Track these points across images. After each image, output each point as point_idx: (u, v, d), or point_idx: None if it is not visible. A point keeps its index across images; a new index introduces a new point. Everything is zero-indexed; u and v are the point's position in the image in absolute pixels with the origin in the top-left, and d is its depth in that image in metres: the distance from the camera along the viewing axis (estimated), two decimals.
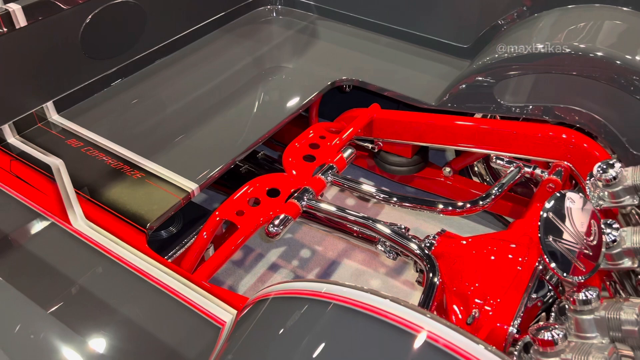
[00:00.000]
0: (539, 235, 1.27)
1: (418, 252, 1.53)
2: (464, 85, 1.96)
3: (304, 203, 1.70)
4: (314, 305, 1.09)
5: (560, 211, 1.33)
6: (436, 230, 1.67)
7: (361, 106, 2.17)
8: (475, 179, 2.33)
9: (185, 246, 1.83)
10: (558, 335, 1.10)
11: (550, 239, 1.27)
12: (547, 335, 1.10)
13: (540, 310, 1.44)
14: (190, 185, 1.69)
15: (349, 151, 1.95)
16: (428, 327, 0.99)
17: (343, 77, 2.19)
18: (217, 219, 1.66)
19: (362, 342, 1.00)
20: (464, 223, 2.36)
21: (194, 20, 2.43)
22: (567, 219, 1.32)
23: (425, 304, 1.37)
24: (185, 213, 1.95)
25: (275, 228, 1.59)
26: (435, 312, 1.45)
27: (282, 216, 1.62)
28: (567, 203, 1.35)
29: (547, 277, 1.47)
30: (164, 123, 2.02)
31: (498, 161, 1.84)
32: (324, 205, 1.73)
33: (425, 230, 2.34)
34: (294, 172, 1.86)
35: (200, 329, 1.27)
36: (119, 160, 1.80)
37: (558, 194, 1.35)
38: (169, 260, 1.78)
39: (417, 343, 0.98)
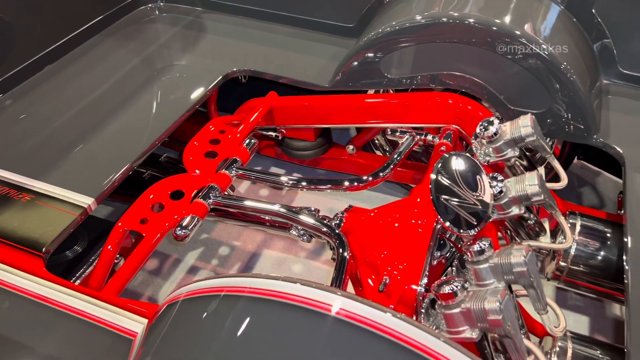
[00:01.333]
0: (431, 197, 1.34)
1: (327, 231, 1.57)
2: (353, 64, 2.01)
3: (210, 201, 1.68)
4: (225, 301, 1.09)
5: (449, 172, 1.41)
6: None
7: (262, 96, 2.17)
8: (378, 152, 2.41)
9: (93, 264, 1.75)
10: (457, 287, 1.18)
11: (442, 199, 1.35)
12: (447, 289, 1.18)
13: (445, 267, 1.52)
14: (86, 200, 1.61)
15: (251, 142, 1.95)
16: (339, 304, 1.02)
17: (235, 69, 2.17)
18: (121, 230, 1.60)
19: (274, 329, 1.02)
20: (374, 196, 2.44)
21: (71, 26, 2.29)
22: (456, 178, 1.41)
23: (337, 279, 1.41)
24: (89, 229, 1.86)
25: (183, 231, 1.56)
26: (351, 286, 1.50)
27: (188, 218, 1.59)
28: (455, 163, 1.43)
29: (447, 235, 1.56)
30: (51, 137, 1.90)
31: (392, 133, 1.91)
32: (232, 200, 1.72)
33: (341, 208, 2.40)
34: (197, 171, 1.83)
35: (112, 345, 1.23)
36: (4, 185, 1.67)
37: (445, 156, 1.43)
38: (78, 281, 1.70)
39: (329, 321, 1.01)
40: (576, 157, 2.25)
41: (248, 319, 1.04)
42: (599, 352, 1.36)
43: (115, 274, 1.52)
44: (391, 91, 2.16)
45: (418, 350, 0.97)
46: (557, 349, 1.33)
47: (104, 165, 1.76)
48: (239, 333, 1.01)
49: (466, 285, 1.30)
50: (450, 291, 1.17)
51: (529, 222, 1.70)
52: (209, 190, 1.69)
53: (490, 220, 1.53)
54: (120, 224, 1.61)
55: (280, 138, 2.24)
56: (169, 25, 2.51)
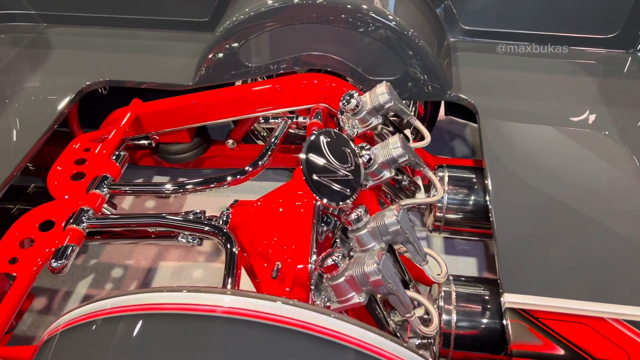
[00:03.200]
0: (304, 176, 1.37)
1: (212, 230, 1.55)
2: (213, 57, 1.98)
3: (84, 225, 1.58)
4: (106, 325, 1.04)
5: (317, 149, 1.44)
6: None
7: (128, 105, 2.07)
8: (259, 142, 2.41)
9: None
10: (338, 257, 1.22)
11: (315, 177, 1.38)
12: (329, 261, 1.22)
13: (333, 240, 1.57)
14: None
15: (120, 155, 1.86)
16: (227, 304, 1.02)
17: (89, 82, 2.04)
18: None
19: (161, 344, 0.99)
20: (265, 185, 2.44)
21: None
22: (325, 154, 1.44)
23: (229, 276, 1.40)
24: None
25: (59, 262, 1.46)
26: (250, 281, 1.50)
27: (62, 247, 1.49)
28: (321, 140, 1.47)
29: (330, 210, 1.61)
30: None
31: (265, 121, 1.92)
32: (109, 220, 1.64)
33: None
34: (66, 197, 1.72)
35: None
36: None
37: (312, 135, 1.46)
38: None
39: (219, 322, 1.01)
40: (444, 114, 2.40)
41: (133, 339, 1.00)
42: (480, 287, 1.48)
43: None
44: (259, 80, 2.17)
45: (312, 332, 0.99)
46: (443, 293, 1.43)
47: None
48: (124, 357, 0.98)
49: (351, 253, 1.36)
50: (332, 262, 1.21)
51: (403, 182, 1.80)
52: (81, 213, 1.60)
53: (366, 187, 1.60)
54: None
55: (154, 145, 2.16)
56: (10, 46, 2.30)
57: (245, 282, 1.61)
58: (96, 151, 1.85)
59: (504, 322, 1.27)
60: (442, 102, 2.28)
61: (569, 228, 1.50)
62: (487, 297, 1.41)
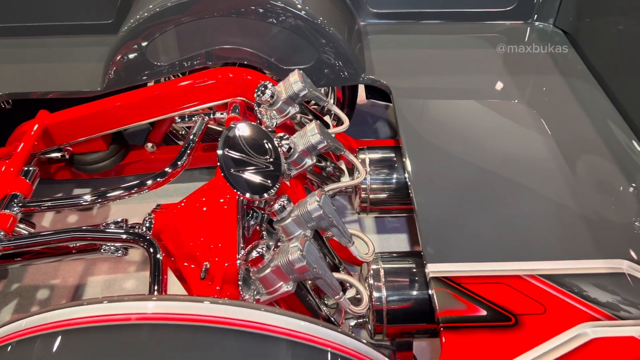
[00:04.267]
0: (222, 172, 1.35)
1: (134, 238, 1.50)
2: (121, 60, 1.91)
3: None
4: (20, 347, 0.99)
5: (234, 144, 1.43)
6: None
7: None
8: (181, 142, 2.35)
9: None
10: (262, 249, 1.22)
11: (234, 172, 1.37)
12: (253, 254, 1.21)
13: (261, 233, 1.57)
14: None
15: (30, 170, 1.75)
16: (151, 310, 0.99)
17: None
18: None
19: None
20: (193, 187, 2.39)
21: None
22: (243, 148, 1.43)
23: (155, 283, 1.36)
24: None
25: None
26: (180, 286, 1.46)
27: None
28: (238, 134, 1.45)
29: (255, 204, 1.60)
30: None
31: (182, 120, 1.88)
32: (23, 240, 1.55)
33: None
34: None
35: None
36: None
37: (228, 130, 1.44)
38: None
39: (145, 331, 0.98)
40: (365, 97, 2.44)
41: (52, 359, 0.96)
42: (407, 261, 1.52)
43: None
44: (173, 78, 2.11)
45: (242, 328, 0.99)
46: (372, 272, 1.46)
47: None
48: None
49: (278, 244, 1.36)
50: (257, 255, 1.21)
51: (327, 169, 1.82)
52: None
53: (290, 177, 1.61)
54: None
55: (67, 157, 2.06)
56: None
57: (179, 287, 1.58)
58: (2, 169, 1.74)
59: (430, 291, 1.31)
60: (362, 86, 2.32)
61: (484, 195, 1.57)
62: (414, 270, 1.46)
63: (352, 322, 1.49)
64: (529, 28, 2.25)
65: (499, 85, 2.03)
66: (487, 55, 2.13)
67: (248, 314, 1.01)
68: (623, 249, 1.41)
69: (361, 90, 2.39)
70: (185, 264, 1.50)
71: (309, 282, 1.36)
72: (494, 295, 1.28)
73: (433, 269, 1.34)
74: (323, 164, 1.79)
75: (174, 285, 1.66)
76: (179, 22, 1.89)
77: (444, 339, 1.21)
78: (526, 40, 2.20)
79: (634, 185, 1.60)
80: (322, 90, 2.27)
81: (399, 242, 2.18)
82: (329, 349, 1.03)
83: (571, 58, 2.11)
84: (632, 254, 1.39)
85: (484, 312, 1.25)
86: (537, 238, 1.44)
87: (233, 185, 1.35)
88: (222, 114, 1.88)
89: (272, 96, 1.65)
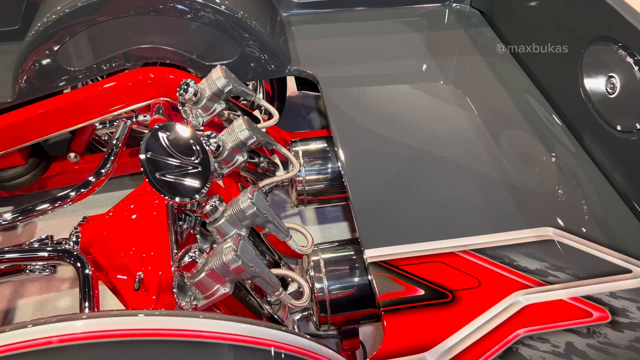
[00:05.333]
0: (146, 178, 1.29)
1: (60, 255, 1.42)
2: (31, 67, 1.79)
3: None
4: None
5: (158, 146, 1.37)
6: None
7: None
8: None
9: None
10: (195, 253, 1.18)
11: (158, 175, 1.31)
12: (186, 260, 1.17)
13: (196, 237, 1.52)
14: None
15: None
16: (80, 330, 0.94)
17: None
18: None
19: None
20: (125, 195, 2.30)
21: None
22: (167, 150, 1.37)
23: (85, 299, 1.30)
24: None
25: None
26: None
27: None
28: (160, 136, 1.40)
29: (188, 207, 1.55)
30: None
31: (103, 127, 1.79)
32: None
33: None
34: None
35: None
36: None
37: (149, 133, 1.38)
38: None
39: (74, 352, 0.93)
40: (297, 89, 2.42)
41: None
42: (346, 249, 1.52)
43: None
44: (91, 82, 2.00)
45: (181, 337, 0.95)
46: (312, 263, 1.45)
47: None
48: None
49: (214, 246, 1.32)
50: (189, 260, 1.17)
51: (261, 164, 1.79)
52: None
53: (222, 176, 1.56)
54: None
55: None
56: None
57: (116, 301, 1.51)
58: None
59: (369, 277, 1.32)
60: (293, 78, 2.30)
61: (415, 177, 1.60)
62: (354, 257, 1.46)
63: (297, 316, 1.48)
64: (447, 10, 2.30)
65: (424, 68, 2.07)
66: (410, 39, 2.17)
67: (186, 323, 0.97)
68: (548, 217, 1.48)
69: (292, 82, 2.36)
70: (118, 276, 1.44)
71: (248, 281, 1.34)
72: (430, 274, 1.30)
73: (370, 254, 1.35)
74: (256, 159, 1.76)
75: (111, 299, 1.60)
76: (92, 22, 1.79)
77: (385, 323, 1.22)
78: (446, 22, 2.26)
79: (554, 155, 1.68)
80: (250, 85, 2.23)
81: (341, 230, 2.19)
82: (272, 348, 1.02)
83: (489, 37, 2.18)
84: (557, 221, 1.46)
85: (422, 292, 1.27)
86: (468, 214, 1.48)
87: (159, 190, 1.29)
88: (145, 116, 1.80)
89: (195, 94, 1.60)
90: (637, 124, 1.49)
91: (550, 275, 1.32)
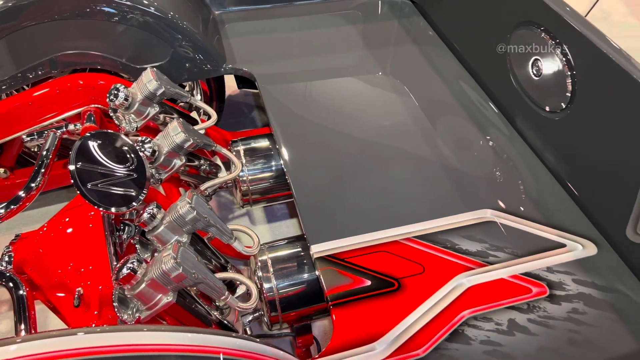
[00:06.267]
0: (77, 189, 1.24)
1: None
2: None
3: None
4: None
5: (88, 156, 1.32)
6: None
7: None
8: None
9: None
10: (133, 264, 1.14)
11: (90, 186, 1.26)
12: (124, 271, 1.13)
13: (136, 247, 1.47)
14: None
15: None
16: (14, 355, 0.89)
17: None
18: None
19: None
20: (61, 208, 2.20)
21: None
22: (98, 159, 1.32)
23: (21, 322, 1.23)
24: None
25: None
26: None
27: None
28: (92, 145, 1.34)
29: (127, 217, 1.49)
30: None
31: (30, 139, 1.71)
32: None
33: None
34: None
35: None
36: None
37: (77, 143, 1.33)
38: None
39: None
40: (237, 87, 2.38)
41: None
42: (293, 246, 1.51)
43: None
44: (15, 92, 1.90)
45: (125, 353, 0.92)
46: (259, 263, 1.44)
47: None
48: None
49: (155, 254, 1.28)
50: (128, 271, 1.13)
51: (203, 167, 1.75)
52: None
53: (161, 182, 1.52)
54: None
55: None
56: None
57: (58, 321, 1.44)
58: None
59: (317, 272, 1.32)
60: (232, 76, 2.26)
61: (357, 169, 1.61)
62: (301, 254, 1.46)
63: (249, 319, 1.46)
64: (380, 2, 2.32)
65: (361, 60, 2.08)
66: (345, 32, 2.17)
67: (128, 338, 0.94)
68: (486, 199, 1.52)
69: (233, 80, 2.32)
70: (57, 294, 1.37)
71: (194, 288, 1.30)
72: (375, 264, 1.32)
73: (316, 249, 1.35)
74: (196, 162, 1.72)
75: (55, 319, 1.52)
76: (14, 28, 1.70)
77: (334, 317, 1.22)
78: (379, 13, 2.28)
79: (489, 138, 1.73)
80: (187, 86, 2.18)
81: (290, 227, 2.18)
82: (220, 355, 1.00)
83: (422, 26, 2.22)
84: (495, 202, 1.51)
85: (368, 283, 1.28)
86: (410, 202, 1.51)
87: (92, 202, 1.25)
88: (76, 125, 1.73)
89: (126, 99, 1.55)
90: (562, 104, 1.55)
91: (491, 256, 1.36)
